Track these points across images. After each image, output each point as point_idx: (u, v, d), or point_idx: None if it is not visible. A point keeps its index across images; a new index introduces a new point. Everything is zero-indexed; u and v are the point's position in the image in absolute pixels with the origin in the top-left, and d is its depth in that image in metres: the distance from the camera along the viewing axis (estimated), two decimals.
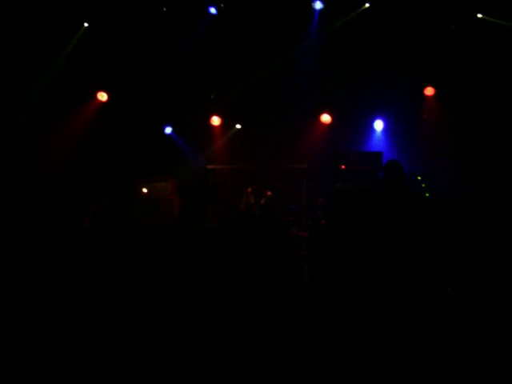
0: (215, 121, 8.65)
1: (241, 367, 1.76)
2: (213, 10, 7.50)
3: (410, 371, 1.89)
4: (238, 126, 8.67)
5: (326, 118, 8.47)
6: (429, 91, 8.15)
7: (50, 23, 7.15)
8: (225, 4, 7.45)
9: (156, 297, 2.10)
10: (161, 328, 1.92)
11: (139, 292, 2.20)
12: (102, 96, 8.30)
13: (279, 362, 1.77)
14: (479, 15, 7.20)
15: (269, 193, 7.05)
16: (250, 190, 7.06)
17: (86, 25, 7.63)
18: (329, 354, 1.83)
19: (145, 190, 7.70)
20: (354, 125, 8.34)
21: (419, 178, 7.83)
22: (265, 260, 1.97)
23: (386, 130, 8.49)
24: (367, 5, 7.37)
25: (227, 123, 8.67)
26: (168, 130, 8.66)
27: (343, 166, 7.52)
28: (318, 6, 7.37)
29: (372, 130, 8.51)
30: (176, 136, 8.68)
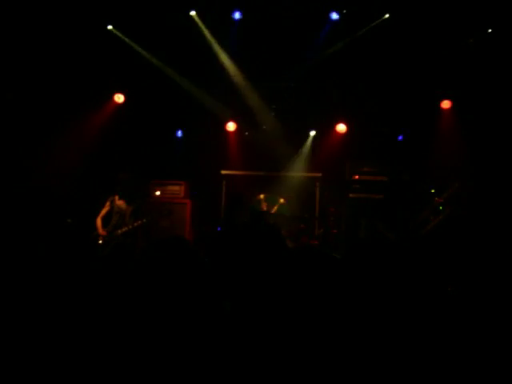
0: (230, 126, 8.67)
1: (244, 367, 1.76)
2: (237, 15, 7.54)
3: (409, 371, 1.87)
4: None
5: (341, 127, 8.45)
6: (445, 104, 8.11)
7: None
8: (245, 10, 7.50)
9: (162, 300, 2.11)
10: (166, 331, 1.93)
11: (146, 294, 2.20)
12: (119, 98, 8.34)
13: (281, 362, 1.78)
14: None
15: (281, 200, 7.02)
16: (262, 197, 7.04)
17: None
18: (330, 355, 1.83)
19: (158, 193, 7.73)
20: (368, 135, 8.30)
21: (433, 191, 7.78)
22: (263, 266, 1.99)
23: (400, 141, 8.45)
24: (387, 15, 7.36)
25: (242, 129, 8.69)
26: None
27: (356, 176, 7.51)
28: (335, 16, 7.44)
29: (386, 140, 8.47)
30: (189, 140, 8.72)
